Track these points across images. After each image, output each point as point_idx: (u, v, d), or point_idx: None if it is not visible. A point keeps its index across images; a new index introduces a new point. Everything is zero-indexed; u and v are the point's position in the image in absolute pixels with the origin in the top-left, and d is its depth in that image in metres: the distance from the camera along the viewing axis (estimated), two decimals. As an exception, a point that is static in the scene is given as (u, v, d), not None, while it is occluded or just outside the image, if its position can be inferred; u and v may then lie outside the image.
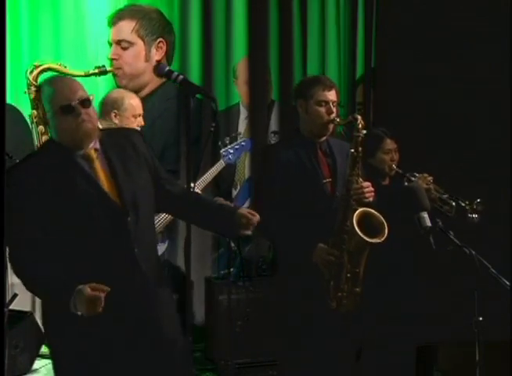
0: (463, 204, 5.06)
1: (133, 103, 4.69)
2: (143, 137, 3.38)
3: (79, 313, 2.99)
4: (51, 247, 3.09)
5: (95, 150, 3.20)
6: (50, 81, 3.23)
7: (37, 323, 5.02)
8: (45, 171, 3.12)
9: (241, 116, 5.99)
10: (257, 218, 3.30)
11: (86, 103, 3.13)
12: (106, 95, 4.79)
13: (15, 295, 4.45)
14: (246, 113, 5.98)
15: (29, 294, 4.99)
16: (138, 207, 3.18)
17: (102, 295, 2.97)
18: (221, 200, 5.51)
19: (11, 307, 4.45)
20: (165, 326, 3.25)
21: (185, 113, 3.24)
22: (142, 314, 3.18)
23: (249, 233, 3.31)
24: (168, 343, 3.23)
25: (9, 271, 4.76)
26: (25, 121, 5.04)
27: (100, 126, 3.38)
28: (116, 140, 3.27)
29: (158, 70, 3.36)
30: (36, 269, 3.08)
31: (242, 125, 5.99)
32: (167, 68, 3.34)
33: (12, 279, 4.86)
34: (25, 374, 4.92)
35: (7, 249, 3.17)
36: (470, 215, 5.06)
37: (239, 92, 5.97)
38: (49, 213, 3.08)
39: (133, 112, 4.66)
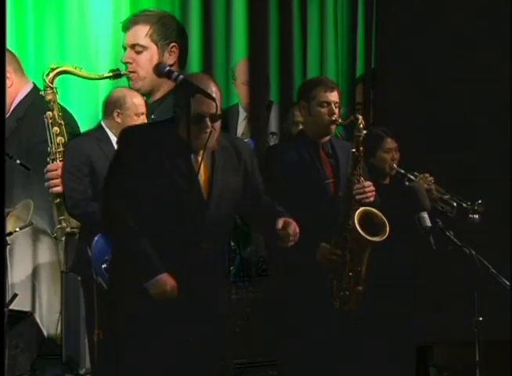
0: (464, 205, 5.06)
1: (136, 101, 4.68)
2: (252, 152, 3.62)
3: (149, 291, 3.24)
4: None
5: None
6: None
7: (37, 323, 5.02)
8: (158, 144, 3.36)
9: (240, 117, 6.00)
10: (290, 228, 3.41)
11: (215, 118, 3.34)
12: (109, 95, 4.78)
13: (15, 295, 4.45)
14: (245, 114, 5.99)
15: (29, 294, 5.02)
16: (220, 205, 3.40)
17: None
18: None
19: (11, 307, 4.45)
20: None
21: (185, 113, 3.24)
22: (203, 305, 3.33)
23: (291, 244, 3.44)
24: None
25: (9, 271, 4.79)
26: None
27: None
28: (225, 144, 3.49)
29: (158, 69, 3.36)
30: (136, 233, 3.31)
31: (241, 126, 6.01)
32: (168, 68, 3.34)
33: (12, 279, 4.88)
34: (25, 374, 4.92)
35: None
36: (471, 216, 5.06)
37: (238, 94, 5.98)
38: (146, 184, 3.31)
39: (136, 111, 4.65)
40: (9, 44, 5.01)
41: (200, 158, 3.36)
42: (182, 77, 3.26)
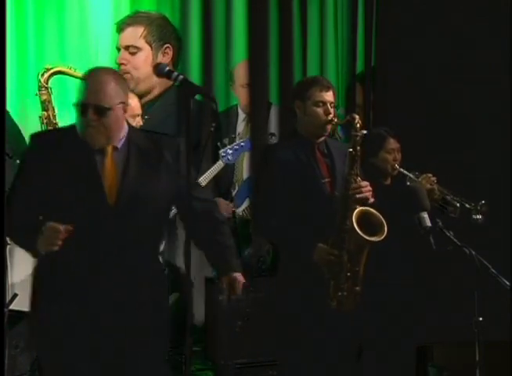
0: (467, 206, 5.06)
1: (131, 102, 4.68)
2: (179, 149, 3.34)
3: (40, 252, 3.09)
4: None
5: (115, 147, 3.24)
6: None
7: (37, 323, 5.02)
8: (61, 150, 3.21)
9: (239, 118, 6.02)
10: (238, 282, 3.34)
11: (101, 111, 3.15)
12: None
13: (15, 295, 4.45)
14: (243, 115, 6.00)
15: (29, 294, 5.02)
16: (137, 210, 3.21)
17: (61, 230, 3.04)
18: (219, 199, 5.52)
19: (11, 307, 4.45)
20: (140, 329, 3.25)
21: (185, 113, 3.24)
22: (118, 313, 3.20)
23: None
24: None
25: (9, 271, 4.79)
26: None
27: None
28: (145, 143, 3.30)
29: (158, 70, 3.36)
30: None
31: (240, 127, 6.02)
32: (167, 68, 3.33)
33: (12, 279, 4.88)
34: (25, 374, 4.92)
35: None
36: (474, 216, 5.06)
37: (237, 96, 5.99)
38: (47, 189, 3.16)
39: (131, 112, 4.65)
40: (9, 44, 5.02)
41: (106, 159, 3.21)
42: (182, 77, 3.25)
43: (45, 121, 4.80)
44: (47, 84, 4.80)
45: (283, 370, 4.25)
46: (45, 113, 4.76)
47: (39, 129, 5.01)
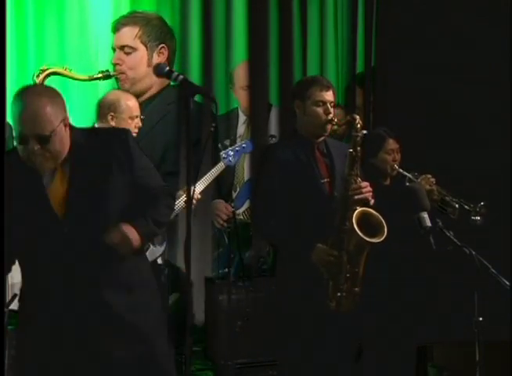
0: (466, 207, 5.06)
1: (130, 104, 4.69)
2: (127, 137, 3.28)
3: None
4: None
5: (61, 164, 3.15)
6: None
7: (37, 323, 5.02)
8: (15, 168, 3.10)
9: (240, 120, 6.03)
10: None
11: (43, 140, 3.03)
12: (103, 98, 4.79)
13: (15, 295, 4.44)
14: (244, 117, 6.01)
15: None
16: (86, 220, 3.15)
17: None
18: (219, 201, 5.53)
19: (11, 307, 4.44)
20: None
21: (185, 113, 3.24)
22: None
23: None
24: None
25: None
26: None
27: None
28: (92, 143, 3.19)
29: (158, 70, 3.35)
30: None
31: (241, 129, 6.03)
32: (167, 68, 3.33)
33: (13, 279, 4.87)
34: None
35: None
36: (473, 218, 5.06)
37: (237, 98, 6.00)
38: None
39: (130, 114, 4.67)
40: (9, 44, 5.02)
41: (57, 172, 3.12)
42: (181, 77, 3.25)
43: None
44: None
45: (283, 370, 4.25)
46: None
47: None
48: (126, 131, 3.36)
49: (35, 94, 3.09)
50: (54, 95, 3.11)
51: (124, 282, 3.24)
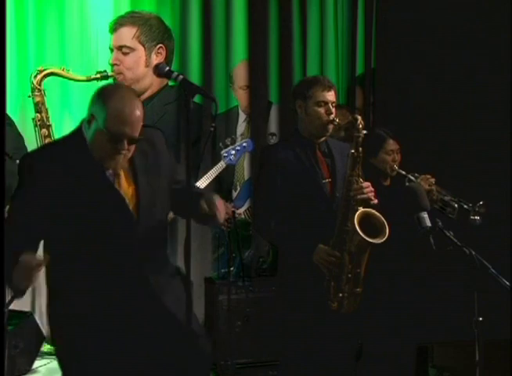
0: (466, 207, 5.06)
1: None
2: (163, 134, 3.38)
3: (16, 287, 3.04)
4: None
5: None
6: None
7: (37, 323, 5.03)
8: (71, 166, 3.11)
9: (240, 119, 6.03)
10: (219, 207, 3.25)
11: (133, 141, 3.13)
12: None
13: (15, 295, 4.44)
14: (244, 116, 6.01)
15: (29, 295, 5.02)
16: (154, 212, 3.23)
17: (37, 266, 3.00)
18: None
19: (11, 307, 4.44)
20: (171, 325, 3.24)
21: (185, 113, 3.24)
22: (147, 318, 3.20)
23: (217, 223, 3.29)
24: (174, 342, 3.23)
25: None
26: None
27: None
28: (142, 144, 3.24)
29: (158, 70, 3.35)
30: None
31: (241, 128, 6.03)
32: (167, 68, 3.33)
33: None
34: (25, 374, 4.92)
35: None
36: (472, 217, 5.06)
37: (237, 97, 6.00)
38: (62, 206, 3.06)
39: None
40: (10, 44, 5.02)
41: (121, 172, 3.18)
42: (181, 77, 3.25)
43: (38, 122, 4.81)
44: (40, 86, 4.81)
45: (283, 370, 4.25)
46: (39, 115, 4.77)
47: (34, 130, 5.00)
48: (162, 132, 3.42)
49: (132, 95, 3.17)
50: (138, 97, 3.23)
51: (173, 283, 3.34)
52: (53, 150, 3.26)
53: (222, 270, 5.67)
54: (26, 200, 3.10)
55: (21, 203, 3.11)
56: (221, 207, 3.25)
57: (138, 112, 3.10)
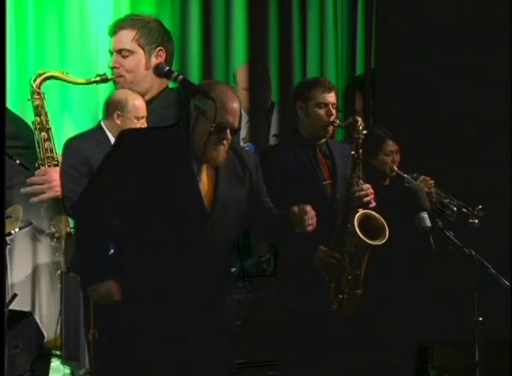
0: (464, 210, 5.06)
1: (137, 104, 4.68)
2: (256, 161, 3.50)
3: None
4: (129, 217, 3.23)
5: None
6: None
7: (37, 323, 5.02)
8: (161, 150, 3.22)
9: (242, 121, 6.03)
10: (307, 210, 3.34)
11: (235, 132, 3.29)
12: (111, 96, 4.79)
13: (15, 295, 4.45)
14: (247, 117, 6.01)
15: (29, 294, 5.02)
16: (225, 219, 3.30)
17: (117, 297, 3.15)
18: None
19: (11, 307, 4.45)
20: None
21: (185, 113, 3.24)
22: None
23: (310, 228, 3.35)
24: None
25: (9, 271, 4.79)
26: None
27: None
28: (231, 156, 3.35)
29: (158, 70, 3.36)
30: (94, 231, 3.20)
31: (243, 130, 6.03)
32: (167, 68, 3.33)
33: (12, 279, 4.88)
34: (25, 374, 4.92)
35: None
36: (471, 221, 5.06)
37: (240, 98, 6.01)
38: (144, 189, 3.18)
39: (136, 114, 4.65)
40: (10, 46, 5.02)
41: (203, 167, 3.28)
42: (181, 77, 3.25)
43: (38, 126, 4.83)
44: (39, 89, 4.82)
45: (283, 370, 4.25)
46: (38, 118, 4.78)
47: (34, 133, 5.01)
48: (254, 156, 3.58)
49: (231, 88, 3.43)
50: None
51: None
52: (151, 134, 3.44)
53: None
54: (115, 171, 3.24)
55: (110, 171, 3.27)
56: (311, 212, 3.33)
57: (238, 104, 3.28)
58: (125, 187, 3.20)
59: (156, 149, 3.23)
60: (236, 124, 3.27)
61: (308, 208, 3.33)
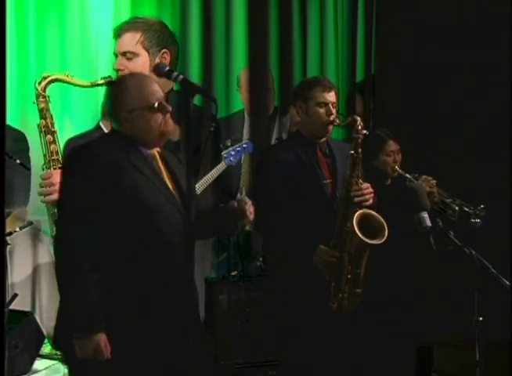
0: (466, 209, 5.06)
1: None
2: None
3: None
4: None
5: (158, 151, 3.31)
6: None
7: (37, 323, 5.02)
8: (111, 159, 3.17)
9: (245, 123, 6.04)
10: (248, 205, 3.29)
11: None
12: None
13: (15, 295, 4.45)
14: (250, 120, 6.03)
15: (29, 294, 5.02)
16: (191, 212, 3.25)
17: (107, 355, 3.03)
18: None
19: (11, 307, 4.45)
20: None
21: (185, 113, 3.24)
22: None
23: (251, 217, 3.30)
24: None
25: (9, 271, 4.79)
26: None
27: None
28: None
29: (158, 70, 3.36)
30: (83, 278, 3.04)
31: (246, 132, 6.03)
32: (167, 68, 3.34)
33: (12, 279, 4.88)
34: (25, 374, 4.92)
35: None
36: (472, 220, 5.06)
37: (243, 100, 6.02)
38: (108, 203, 3.11)
39: None
40: (10, 49, 5.03)
41: (157, 161, 3.26)
42: (181, 76, 3.26)
43: (43, 129, 4.83)
44: (44, 92, 4.83)
45: (283, 370, 4.25)
46: (43, 121, 4.77)
47: (39, 137, 5.02)
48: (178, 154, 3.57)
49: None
50: None
51: None
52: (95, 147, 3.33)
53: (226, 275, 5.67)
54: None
55: None
56: (250, 206, 3.28)
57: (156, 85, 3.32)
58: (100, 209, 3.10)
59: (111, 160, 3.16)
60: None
61: (246, 199, 3.29)
